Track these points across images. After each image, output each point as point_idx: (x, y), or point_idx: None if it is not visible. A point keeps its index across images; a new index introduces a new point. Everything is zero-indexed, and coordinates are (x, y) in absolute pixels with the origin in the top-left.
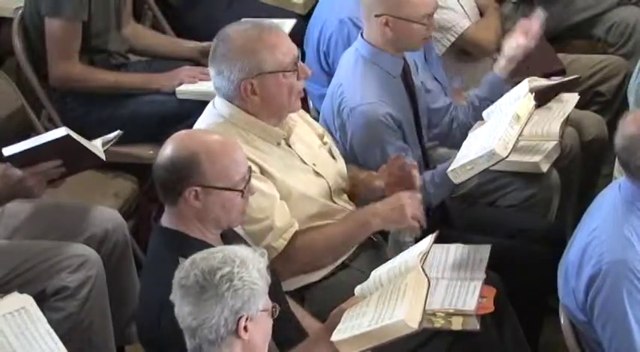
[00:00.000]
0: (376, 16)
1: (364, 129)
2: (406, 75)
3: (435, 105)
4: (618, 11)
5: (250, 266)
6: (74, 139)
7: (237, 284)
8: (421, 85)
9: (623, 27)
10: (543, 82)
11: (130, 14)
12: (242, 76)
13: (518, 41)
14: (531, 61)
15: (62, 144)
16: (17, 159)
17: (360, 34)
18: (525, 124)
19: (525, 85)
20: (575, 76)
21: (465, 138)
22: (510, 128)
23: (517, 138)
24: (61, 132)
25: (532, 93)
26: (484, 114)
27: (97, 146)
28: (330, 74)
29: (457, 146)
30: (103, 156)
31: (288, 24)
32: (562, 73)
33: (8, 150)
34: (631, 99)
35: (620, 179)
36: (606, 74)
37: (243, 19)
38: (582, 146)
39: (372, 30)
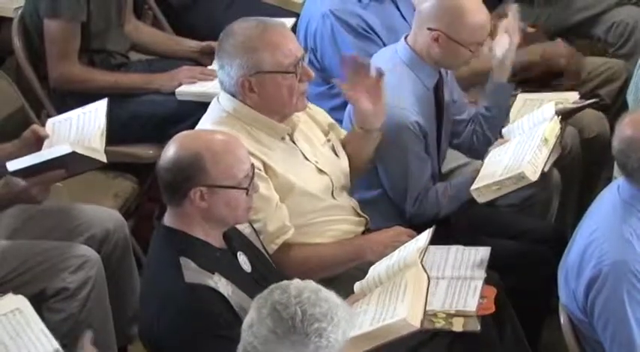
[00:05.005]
0: (429, 29)
1: (391, 132)
2: (438, 89)
3: (459, 117)
4: (618, 11)
5: (341, 329)
6: (78, 153)
7: (323, 343)
8: (450, 96)
9: (623, 27)
10: (568, 105)
11: (131, 11)
12: (240, 73)
13: (503, 43)
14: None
15: (66, 159)
16: (21, 173)
17: (403, 37)
18: (553, 148)
19: (551, 108)
20: (598, 99)
21: (486, 148)
22: (539, 151)
23: (545, 162)
24: (65, 149)
25: (559, 117)
26: (504, 131)
27: (98, 149)
28: (321, 70)
29: (479, 156)
30: (104, 159)
31: (287, 23)
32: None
33: (12, 165)
34: (630, 99)
35: (619, 180)
36: (606, 78)
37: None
38: (584, 144)
39: (419, 39)
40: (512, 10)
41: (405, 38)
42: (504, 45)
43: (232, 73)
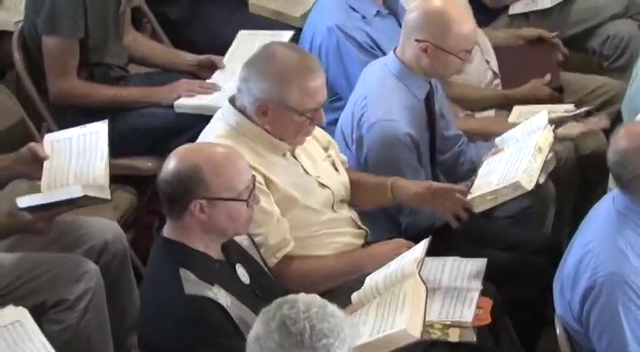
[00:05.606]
0: (417, 40)
1: (382, 145)
2: (429, 100)
3: (447, 133)
4: (613, 24)
5: (347, 345)
6: (89, 196)
7: None
8: (439, 110)
9: (618, 40)
10: (560, 114)
11: (129, 23)
12: (263, 96)
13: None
14: (533, 70)
15: (76, 199)
16: (29, 210)
17: (392, 50)
18: (549, 159)
19: (545, 117)
20: (591, 108)
21: (467, 173)
22: (533, 160)
23: (540, 173)
24: (77, 192)
25: (552, 125)
26: (497, 140)
27: (104, 186)
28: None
29: (459, 180)
30: (109, 197)
31: (285, 35)
32: (559, 90)
33: (22, 202)
34: (625, 112)
35: (614, 191)
36: (606, 100)
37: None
38: (580, 160)
39: (407, 51)
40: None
41: (394, 50)
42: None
43: (255, 92)
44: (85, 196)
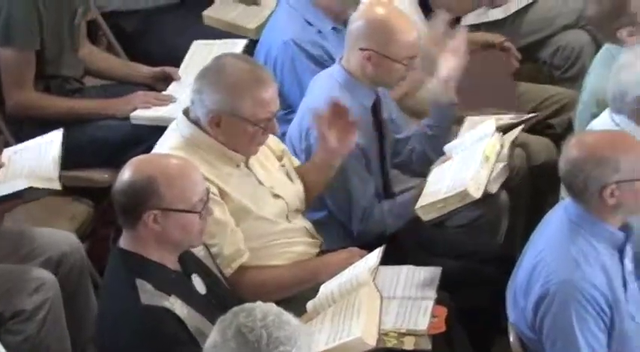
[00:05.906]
0: (361, 49)
1: None
2: (376, 108)
3: (399, 136)
4: (564, 35)
5: None
6: (35, 187)
7: None
8: (388, 115)
9: (569, 51)
10: (508, 120)
11: (85, 36)
12: (216, 107)
13: (449, 63)
14: (489, 94)
15: (23, 192)
16: None
17: (338, 60)
18: (495, 164)
19: (492, 125)
20: (536, 114)
21: (423, 166)
22: (481, 168)
23: (489, 181)
24: (22, 184)
25: (499, 133)
26: (445, 148)
27: (52, 178)
28: (279, 96)
29: (417, 175)
30: (59, 187)
31: (239, 44)
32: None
33: None
34: (576, 122)
35: (566, 200)
36: (559, 108)
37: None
38: (532, 171)
39: (352, 60)
40: (462, 33)
41: (340, 60)
42: (450, 65)
43: (208, 103)
44: (31, 188)
